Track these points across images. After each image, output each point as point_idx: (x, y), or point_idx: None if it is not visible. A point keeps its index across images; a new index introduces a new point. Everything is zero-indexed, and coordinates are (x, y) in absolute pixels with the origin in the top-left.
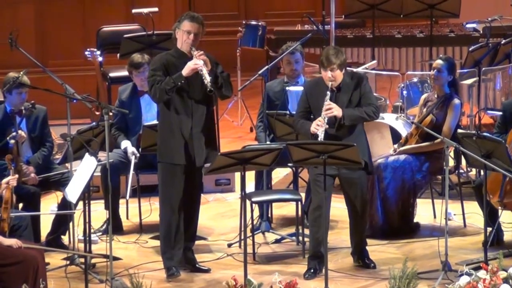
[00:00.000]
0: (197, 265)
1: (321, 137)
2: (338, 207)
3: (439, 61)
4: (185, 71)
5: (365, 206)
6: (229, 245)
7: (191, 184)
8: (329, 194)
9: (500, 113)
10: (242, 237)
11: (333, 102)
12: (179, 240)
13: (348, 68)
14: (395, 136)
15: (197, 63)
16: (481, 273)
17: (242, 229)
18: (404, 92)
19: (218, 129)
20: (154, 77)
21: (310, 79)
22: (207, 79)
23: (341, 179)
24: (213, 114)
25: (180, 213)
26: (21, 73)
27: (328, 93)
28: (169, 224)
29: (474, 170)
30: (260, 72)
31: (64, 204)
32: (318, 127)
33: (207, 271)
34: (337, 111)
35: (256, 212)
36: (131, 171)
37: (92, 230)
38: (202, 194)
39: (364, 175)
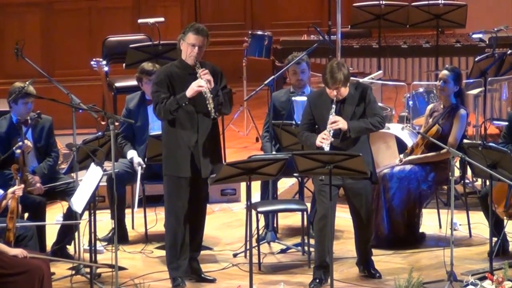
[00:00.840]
0: (202, 275)
1: (326, 149)
2: (344, 217)
3: (445, 72)
4: (189, 93)
5: (370, 216)
6: (235, 255)
7: (197, 195)
8: (334, 204)
9: (506, 123)
10: (248, 247)
11: (338, 114)
12: (184, 250)
13: (352, 78)
14: (401, 146)
15: (201, 85)
16: (487, 283)
17: (248, 239)
18: (410, 102)
19: (224, 139)
20: (158, 94)
21: (315, 89)
22: (211, 104)
23: (346, 189)
24: (217, 125)
25: (185, 224)
26: (27, 83)
27: (333, 106)
28: (175, 235)
29: (479, 180)
30: (266, 82)
31: (70, 214)
32: (324, 140)
33: (212, 281)
34: (342, 124)
35: (262, 222)
36: (138, 182)
37: (97, 240)
38: (208, 204)
39: (369, 185)
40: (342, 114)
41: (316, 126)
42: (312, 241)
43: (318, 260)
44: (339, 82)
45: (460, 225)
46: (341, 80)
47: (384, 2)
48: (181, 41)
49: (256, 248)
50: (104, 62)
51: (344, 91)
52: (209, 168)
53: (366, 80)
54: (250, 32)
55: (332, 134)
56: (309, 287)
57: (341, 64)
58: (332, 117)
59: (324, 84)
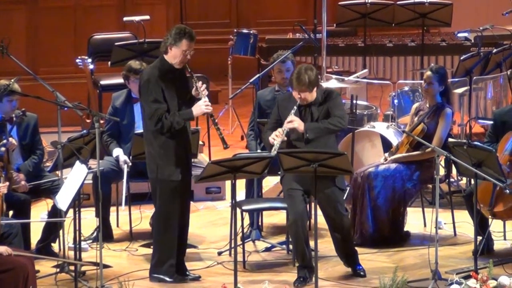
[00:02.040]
0: (187, 273)
1: (275, 147)
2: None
3: (429, 73)
4: (196, 112)
5: (344, 221)
6: (219, 253)
7: (185, 196)
8: (306, 206)
9: (491, 122)
10: (233, 245)
11: (302, 117)
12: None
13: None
14: (386, 144)
15: (209, 106)
16: (471, 282)
17: (233, 237)
18: (395, 101)
19: (209, 137)
20: (158, 106)
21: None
22: (221, 133)
23: (318, 198)
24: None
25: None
26: (12, 80)
27: (295, 107)
28: (173, 237)
29: (464, 179)
30: (251, 80)
31: (55, 212)
32: (276, 137)
33: (197, 278)
34: (298, 123)
35: (247, 221)
36: (125, 181)
37: (82, 238)
38: (192, 202)
39: (337, 191)
40: (303, 117)
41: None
42: None
43: (300, 261)
44: (303, 85)
45: (445, 224)
46: (305, 83)
47: (369, 1)
48: (172, 47)
49: (241, 246)
50: (90, 60)
51: (310, 96)
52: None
53: (351, 78)
54: (235, 30)
55: (285, 133)
56: (293, 285)
57: (309, 68)
58: (290, 116)
59: (289, 85)
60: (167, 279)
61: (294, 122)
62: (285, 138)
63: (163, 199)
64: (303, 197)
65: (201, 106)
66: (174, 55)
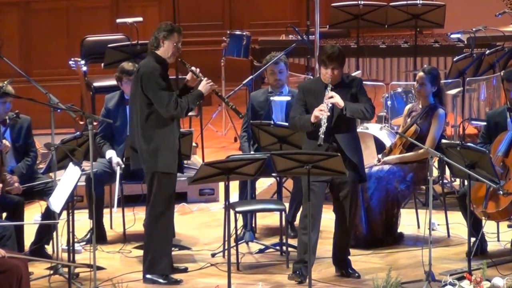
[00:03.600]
0: (173, 265)
1: (322, 130)
2: (323, 217)
3: (421, 74)
4: (205, 90)
5: (354, 214)
6: (213, 255)
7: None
8: (322, 201)
9: (484, 123)
10: (226, 247)
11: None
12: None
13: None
14: (379, 146)
15: (213, 83)
16: (465, 283)
17: (226, 239)
18: (389, 102)
19: (202, 138)
20: (167, 92)
21: (293, 89)
22: (232, 104)
23: (332, 185)
24: None
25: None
26: (5, 82)
27: (329, 86)
28: (168, 236)
29: (458, 180)
30: (244, 82)
31: (48, 214)
32: (322, 112)
33: (184, 270)
34: (339, 99)
35: (240, 222)
36: (117, 183)
37: (75, 240)
38: (186, 204)
39: (357, 181)
40: None
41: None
42: (290, 241)
43: (299, 255)
44: (336, 61)
45: (438, 225)
46: (338, 58)
47: (362, 2)
48: (164, 40)
49: (234, 248)
50: (83, 62)
51: (338, 74)
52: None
53: None
54: (228, 32)
55: (329, 108)
56: (288, 278)
57: (337, 46)
58: (329, 92)
59: (320, 64)
60: (161, 280)
61: (335, 97)
62: (329, 113)
63: (161, 194)
64: (322, 189)
65: (207, 85)
66: (167, 49)
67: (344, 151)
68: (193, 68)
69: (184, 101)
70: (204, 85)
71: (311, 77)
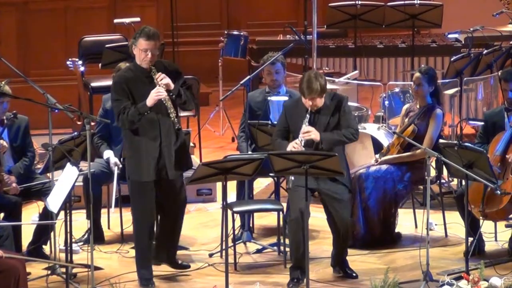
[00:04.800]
0: (178, 262)
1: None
2: (319, 217)
3: (418, 75)
4: (149, 102)
5: (348, 224)
6: (211, 255)
7: (171, 198)
8: (308, 204)
9: (482, 123)
10: (224, 247)
11: (312, 124)
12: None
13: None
14: (377, 146)
15: (160, 92)
16: (463, 283)
17: (224, 239)
18: (386, 102)
19: (200, 139)
20: (119, 103)
21: (290, 89)
22: (173, 114)
23: (322, 194)
24: (179, 120)
25: (152, 229)
26: (3, 82)
27: (308, 116)
28: (138, 239)
29: (455, 180)
30: (242, 82)
31: (46, 214)
32: (294, 149)
33: (186, 266)
34: (315, 134)
35: (238, 222)
36: (115, 183)
37: (73, 240)
38: None
39: (346, 192)
40: (316, 124)
41: (291, 135)
42: (288, 241)
43: (294, 261)
44: (315, 93)
45: (436, 225)
46: (317, 90)
47: (360, 2)
48: (133, 46)
49: (232, 248)
50: (80, 62)
51: (320, 101)
52: (177, 168)
53: (342, 80)
54: (226, 32)
55: (303, 144)
56: (287, 287)
57: (318, 74)
58: (305, 127)
59: (300, 93)
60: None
61: (311, 133)
62: (303, 149)
63: (130, 198)
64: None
65: (151, 94)
66: (137, 56)
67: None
68: (156, 75)
69: (127, 112)
70: (150, 95)
71: None
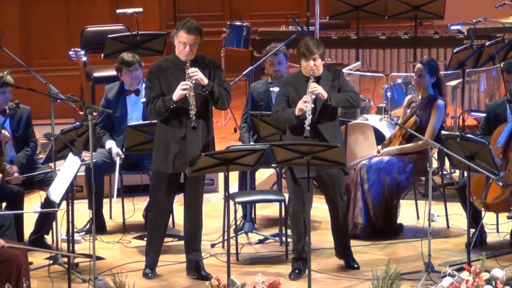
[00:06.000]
0: (202, 272)
1: (308, 113)
2: (321, 208)
3: (419, 66)
4: (175, 96)
5: (344, 205)
6: (213, 246)
7: (189, 192)
8: (311, 195)
9: (484, 114)
10: (226, 238)
11: None
12: (157, 244)
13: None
14: (379, 137)
15: (185, 88)
16: (464, 275)
17: (226, 229)
18: (388, 93)
19: None
20: (149, 91)
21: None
22: (193, 111)
23: (319, 180)
24: (211, 124)
25: (164, 220)
26: (5, 72)
27: (311, 78)
28: (154, 231)
29: (457, 171)
30: (244, 73)
31: (48, 204)
32: (306, 104)
33: (208, 278)
34: (322, 90)
35: (240, 213)
36: (117, 173)
37: (75, 230)
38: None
39: (341, 174)
40: None
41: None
42: (289, 232)
43: (296, 252)
44: (316, 52)
45: (438, 216)
46: (317, 52)
47: None
48: (174, 37)
49: (234, 238)
50: (83, 52)
51: (320, 65)
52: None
53: (344, 71)
54: (228, 22)
55: (312, 99)
56: (289, 278)
57: (316, 39)
58: (312, 85)
59: (301, 57)
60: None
61: (318, 88)
62: (313, 105)
63: (150, 188)
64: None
65: (178, 88)
66: (176, 47)
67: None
68: (189, 70)
69: (155, 103)
70: (177, 89)
71: None
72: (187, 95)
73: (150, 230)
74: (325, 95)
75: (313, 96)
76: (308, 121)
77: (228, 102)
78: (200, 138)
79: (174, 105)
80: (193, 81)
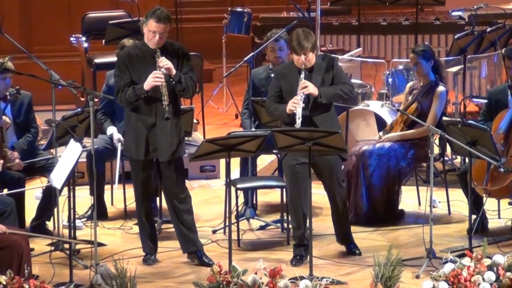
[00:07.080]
0: (203, 258)
1: (298, 115)
2: (322, 194)
3: (412, 55)
4: (146, 86)
5: (343, 191)
6: (214, 232)
7: (167, 180)
8: (310, 181)
9: (485, 101)
10: (227, 224)
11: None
12: (146, 229)
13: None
14: (380, 123)
15: (157, 78)
16: (466, 261)
17: (227, 215)
18: (390, 80)
19: (203, 115)
20: (119, 79)
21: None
22: (165, 101)
23: (316, 166)
24: (178, 107)
25: (146, 206)
26: (6, 58)
27: (302, 73)
28: (139, 217)
29: (459, 157)
30: (245, 59)
31: (49, 190)
32: (296, 105)
33: (210, 265)
34: (313, 88)
35: (241, 199)
36: (118, 159)
37: (76, 216)
38: (187, 181)
39: (338, 160)
40: (311, 82)
41: (284, 100)
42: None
43: (297, 238)
44: (307, 47)
45: (439, 202)
46: (308, 44)
47: None
48: (144, 25)
49: (235, 224)
50: (84, 38)
51: (312, 57)
52: (169, 151)
53: (345, 57)
54: (229, 8)
55: (302, 99)
56: (290, 264)
57: (307, 31)
58: (302, 82)
59: (292, 51)
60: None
61: (309, 87)
62: (303, 105)
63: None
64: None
65: (149, 78)
66: (145, 35)
67: None
68: (159, 59)
69: (125, 92)
70: (148, 79)
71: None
72: (159, 86)
73: (137, 217)
74: (316, 93)
75: (303, 96)
76: (297, 125)
77: (194, 92)
78: (169, 125)
79: (145, 94)
80: (164, 70)
